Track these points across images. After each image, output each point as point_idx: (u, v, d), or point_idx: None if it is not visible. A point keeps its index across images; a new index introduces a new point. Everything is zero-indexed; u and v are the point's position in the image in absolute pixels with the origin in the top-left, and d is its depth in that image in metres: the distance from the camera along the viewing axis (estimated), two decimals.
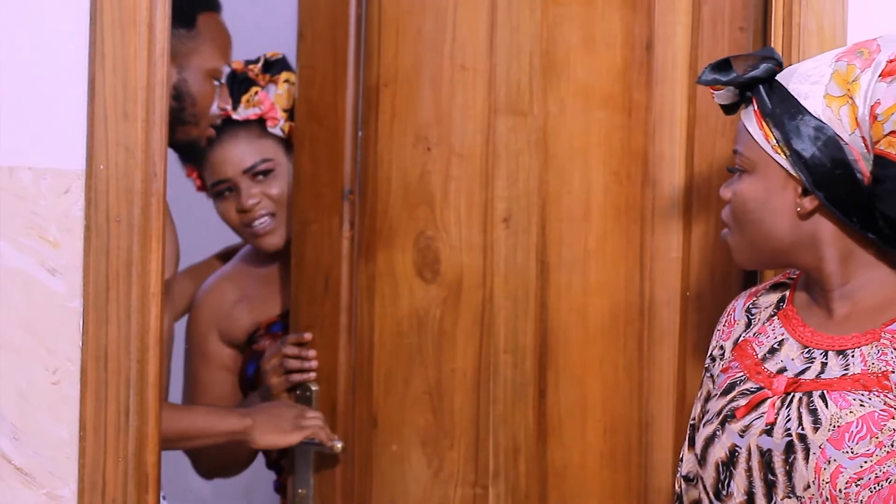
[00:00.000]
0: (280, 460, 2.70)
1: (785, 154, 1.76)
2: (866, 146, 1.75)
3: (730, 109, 1.86)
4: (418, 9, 2.40)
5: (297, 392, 2.52)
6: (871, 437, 1.72)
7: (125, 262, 2.09)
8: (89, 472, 2.09)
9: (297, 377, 2.49)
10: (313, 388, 2.48)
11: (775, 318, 1.89)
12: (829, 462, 1.73)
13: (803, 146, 1.75)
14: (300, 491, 2.49)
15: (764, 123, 1.77)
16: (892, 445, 1.72)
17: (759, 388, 1.83)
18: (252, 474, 2.83)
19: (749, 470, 1.80)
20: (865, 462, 1.72)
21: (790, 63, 2.00)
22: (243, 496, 3.42)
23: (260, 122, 2.65)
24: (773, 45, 2.10)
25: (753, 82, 1.79)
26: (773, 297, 1.93)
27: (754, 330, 1.90)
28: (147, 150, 2.09)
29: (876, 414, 1.73)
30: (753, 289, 1.98)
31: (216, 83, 2.50)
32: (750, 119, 1.79)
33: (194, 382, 2.68)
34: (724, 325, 1.96)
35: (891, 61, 1.76)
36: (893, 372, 1.74)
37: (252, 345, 2.73)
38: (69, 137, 2.10)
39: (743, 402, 1.83)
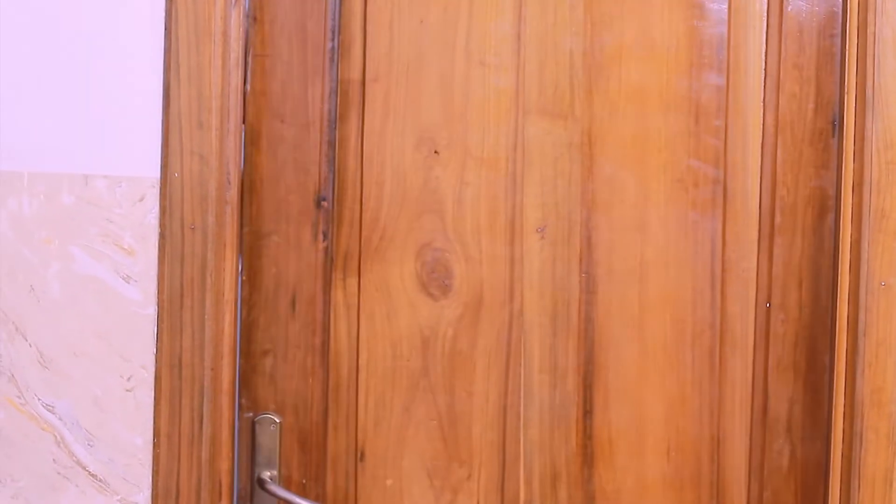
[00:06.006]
0: None
1: None
2: None
3: None
4: None
5: (258, 427, 2.35)
6: None
7: (199, 270, 2.17)
8: (163, 478, 2.18)
9: None
10: (277, 419, 2.35)
11: None
12: None
13: None
14: None
15: None
16: None
17: None
18: None
19: None
20: None
21: (866, 73, 2.10)
22: None
23: None
24: (848, 53, 2.15)
25: None
26: None
27: None
28: (221, 159, 2.18)
29: None
30: None
31: None
32: None
33: None
34: None
35: None
36: None
37: None
38: (144, 145, 2.18)
39: None
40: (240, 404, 2.35)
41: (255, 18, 2.30)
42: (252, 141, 2.32)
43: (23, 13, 2.21)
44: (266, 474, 2.31)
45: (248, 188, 2.32)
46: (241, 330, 2.33)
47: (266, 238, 2.33)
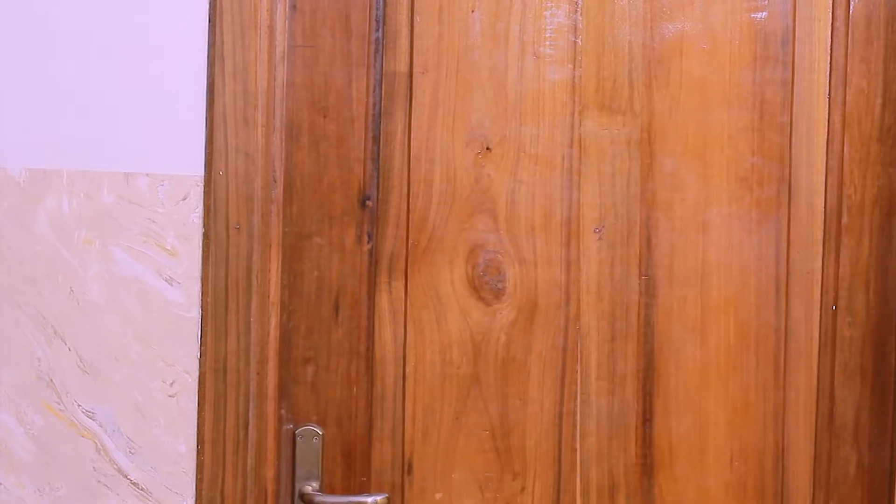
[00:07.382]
0: None
1: None
2: None
3: None
4: None
5: (299, 439, 2.28)
6: None
7: (245, 271, 2.17)
8: (207, 487, 2.17)
9: None
10: (319, 431, 2.29)
11: None
12: None
13: None
14: None
15: None
16: None
17: None
18: None
19: None
20: None
21: None
22: None
23: None
24: None
25: None
26: None
27: None
28: (267, 156, 2.18)
29: None
30: None
31: None
32: None
33: None
34: None
35: None
36: None
37: None
38: (187, 143, 2.17)
39: None
40: (280, 416, 2.31)
41: (294, 7, 2.26)
42: (293, 137, 2.28)
43: (60, 10, 2.21)
44: (308, 488, 2.28)
45: (288, 186, 2.28)
46: (280, 337, 2.29)
47: (307, 239, 2.29)
